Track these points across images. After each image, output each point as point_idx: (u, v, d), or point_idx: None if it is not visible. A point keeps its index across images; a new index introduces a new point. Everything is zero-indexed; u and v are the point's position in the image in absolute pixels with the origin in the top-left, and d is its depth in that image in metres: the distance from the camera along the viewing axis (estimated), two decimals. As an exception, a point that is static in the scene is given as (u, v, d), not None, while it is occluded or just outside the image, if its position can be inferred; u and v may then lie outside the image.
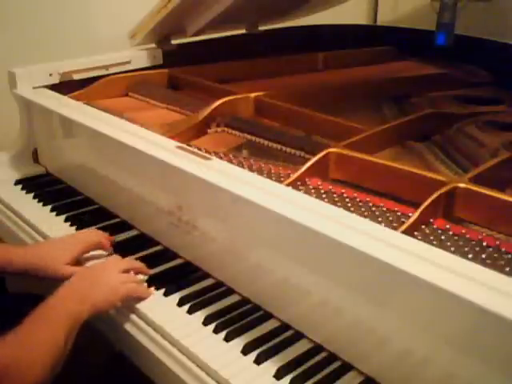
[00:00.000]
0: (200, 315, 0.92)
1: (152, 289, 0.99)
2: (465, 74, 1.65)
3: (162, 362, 0.86)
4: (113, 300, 0.92)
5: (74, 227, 1.19)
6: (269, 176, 1.01)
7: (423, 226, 0.85)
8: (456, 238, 0.83)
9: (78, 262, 1.04)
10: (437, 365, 0.70)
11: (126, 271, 0.98)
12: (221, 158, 1.09)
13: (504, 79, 1.55)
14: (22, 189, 1.36)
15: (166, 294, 0.97)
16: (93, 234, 1.11)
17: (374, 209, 0.91)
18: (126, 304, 0.95)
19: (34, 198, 1.32)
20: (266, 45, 1.82)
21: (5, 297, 1.24)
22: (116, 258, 1.06)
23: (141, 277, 1.01)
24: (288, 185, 0.96)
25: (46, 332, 0.81)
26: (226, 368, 0.81)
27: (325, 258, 0.79)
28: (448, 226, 0.85)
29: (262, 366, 0.82)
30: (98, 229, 1.17)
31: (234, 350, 0.84)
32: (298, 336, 0.87)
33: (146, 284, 1.00)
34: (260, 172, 1.03)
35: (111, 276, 0.95)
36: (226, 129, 1.25)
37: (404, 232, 0.80)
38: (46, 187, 1.37)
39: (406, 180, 0.93)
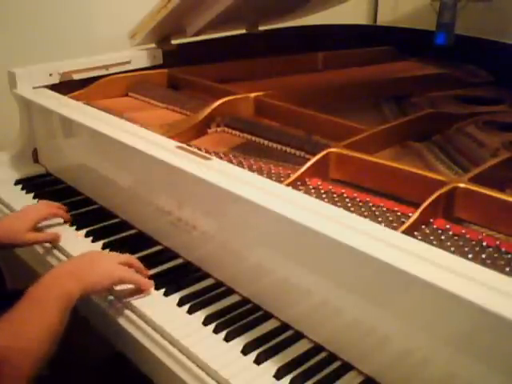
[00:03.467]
0: (200, 315, 0.92)
1: (152, 281, 0.99)
2: (465, 74, 1.65)
3: (162, 362, 0.86)
4: (107, 282, 0.92)
5: (73, 227, 1.19)
6: (269, 176, 1.01)
7: (423, 226, 0.85)
8: (456, 237, 0.83)
9: (37, 229, 1.14)
10: (437, 365, 0.70)
11: (125, 264, 0.98)
12: (221, 158, 1.09)
13: (504, 79, 1.55)
14: (22, 189, 1.36)
15: (166, 294, 0.97)
16: (44, 205, 1.20)
17: (374, 209, 0.91)
18: (122, 294, 0.96)
19: (34, 197, 1.32)
20: (266, 45, 1.82)
21: (5, 295, 1.24)
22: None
23: None
24: (288, 185, 0.96)
25: (39, 315, 0.81)
26: (226, 368, 0.80)
27: (325, 257, 0.79)
28: (448, 226, 0.85)
29: (261, 366, 0.81)
30: (98, 229, 1.17)
31: (234, 350, 0.84)
32: (298, 336, 0.87)
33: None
34: (260, 172, 1.03)
35: (108, 260, 0.96)
36: (226, 129, 1.26)
37: (404, 232, 0.80)
38: (46, 187, 1.37)
39: (405, 180, 0.93)
